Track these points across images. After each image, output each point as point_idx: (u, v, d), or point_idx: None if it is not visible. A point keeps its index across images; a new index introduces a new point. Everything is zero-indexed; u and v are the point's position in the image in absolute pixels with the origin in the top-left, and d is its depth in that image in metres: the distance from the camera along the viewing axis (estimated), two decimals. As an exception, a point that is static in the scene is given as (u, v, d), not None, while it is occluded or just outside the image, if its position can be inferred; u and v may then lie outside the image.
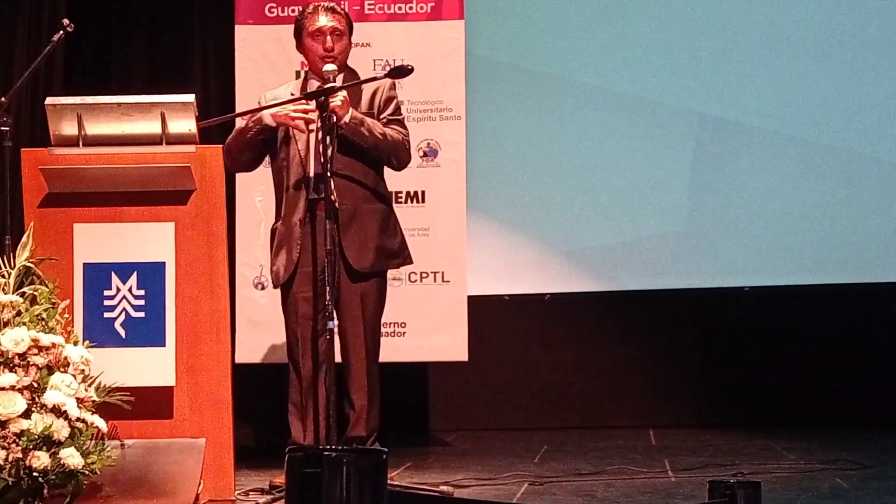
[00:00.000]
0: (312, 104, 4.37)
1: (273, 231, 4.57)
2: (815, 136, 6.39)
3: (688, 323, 6.54)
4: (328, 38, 4.52)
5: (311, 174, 4.43)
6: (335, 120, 4.33)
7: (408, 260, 4.67)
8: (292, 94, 4.55)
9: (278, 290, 4.57)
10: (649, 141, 6.48)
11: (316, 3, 4.63)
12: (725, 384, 6.44)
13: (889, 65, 6.35)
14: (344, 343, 4.51)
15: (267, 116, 4.44)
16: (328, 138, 4.24)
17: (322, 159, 4.27)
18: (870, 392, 6.29)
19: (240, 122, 4.59)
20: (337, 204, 4.33)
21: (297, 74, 5.65)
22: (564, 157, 6.49)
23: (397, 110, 4.62)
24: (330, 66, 4.44)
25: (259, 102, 4.60)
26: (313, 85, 4.52)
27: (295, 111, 4.39)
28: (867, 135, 6.35)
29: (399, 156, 4.59)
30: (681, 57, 6.47)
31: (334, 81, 4.40)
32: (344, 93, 4.39)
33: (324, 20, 4.55)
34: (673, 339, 6.53)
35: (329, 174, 4.24)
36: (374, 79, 4.52)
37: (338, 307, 4.43)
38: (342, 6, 4.78)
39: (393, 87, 4.63)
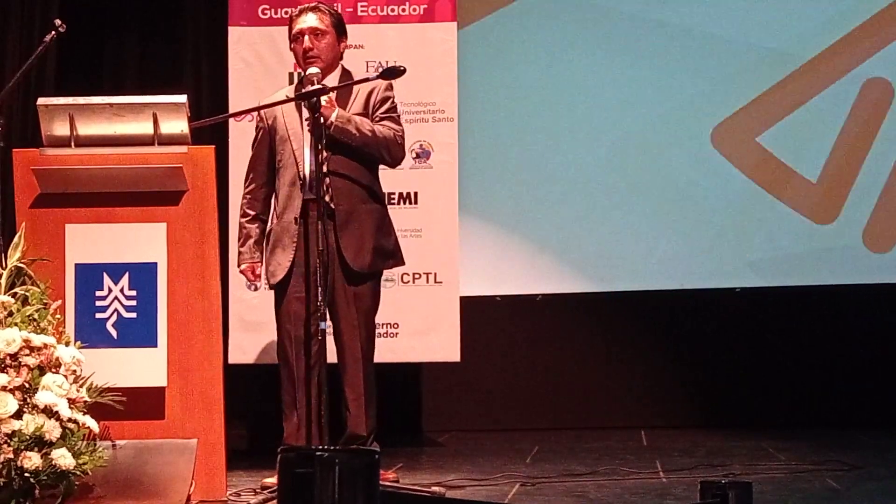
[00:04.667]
0: None
1: (269, 231, 4.58)
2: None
3: (679, 324, 6.54)
4: (307, 37, 4.51)
5: (306, 174, 4.43)
6: (322, 121, 4.34)
7: (401, 261, 4.68)
8: (287, 96, 4.55)
9: (272, 290, 4.56)
10: (642, 144, 6.48)
11: (303, 5, 4.63)
12: (717, 385, 6.45)
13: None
14: (339, 344, 4.51)
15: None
16: (318, 139, 4.24)
17: (315, 160, 4.28)
18: (860, 393, 6.30)
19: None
20: (333, 204, 4.36)
21: (290, 76, 5.66)
22: (557, 158, 6.50)
23: (392, 109, 4.62)
24: (313, 70, 4.43)
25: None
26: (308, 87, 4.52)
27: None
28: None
29: (391, 152, 4.57)
30: (675, 64, 6.48)
31: (318, 84, 4.38)
32: (331, 94, 4.40)
33: (303, 21, 4.54)
34: (664, 340, 6.54)
35: (324, 174, 4.25)
36: (367, 79, 4.52)
37: (333, 308, 4.43)
38: (334, 6, 4.75)
39: (390, 87, 4.62)
